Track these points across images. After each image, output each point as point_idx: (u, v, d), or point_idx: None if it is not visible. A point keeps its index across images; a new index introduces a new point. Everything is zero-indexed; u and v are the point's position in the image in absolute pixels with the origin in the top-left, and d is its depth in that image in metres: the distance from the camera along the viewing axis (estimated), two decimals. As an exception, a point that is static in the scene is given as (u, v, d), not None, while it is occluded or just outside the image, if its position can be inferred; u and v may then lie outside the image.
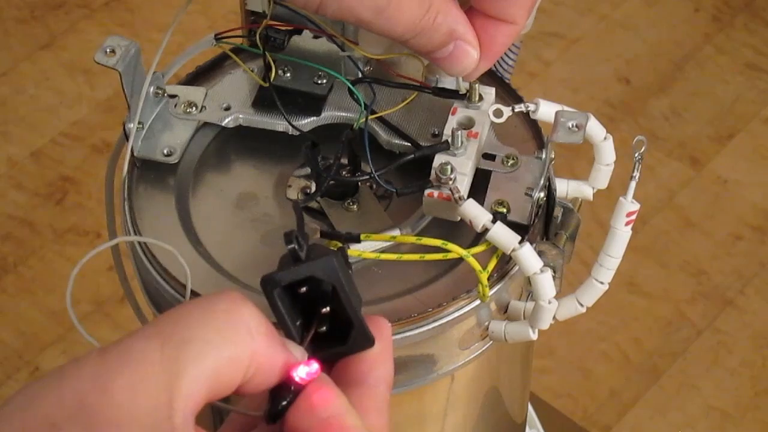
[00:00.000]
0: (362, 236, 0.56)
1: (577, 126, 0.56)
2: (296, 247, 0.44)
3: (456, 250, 0.55)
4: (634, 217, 0.57)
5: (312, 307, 0.45)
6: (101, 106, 1.52)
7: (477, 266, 0.55)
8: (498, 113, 0.57)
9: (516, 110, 0.57)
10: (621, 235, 0.57)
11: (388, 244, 0.58)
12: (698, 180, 1.46)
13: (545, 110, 0.57)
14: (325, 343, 0.45)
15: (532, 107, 0.57)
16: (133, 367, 0.37)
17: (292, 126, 0.61)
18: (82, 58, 1.57)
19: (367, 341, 0.45)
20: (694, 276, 1.37)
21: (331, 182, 0.59)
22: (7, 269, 1.36)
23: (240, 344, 0.40)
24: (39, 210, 1.42)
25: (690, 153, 1.49)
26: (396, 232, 0.58)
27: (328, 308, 0.45)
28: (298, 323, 0.44)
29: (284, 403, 0.41)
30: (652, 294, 1.35)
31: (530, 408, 0.96)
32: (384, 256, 0.57)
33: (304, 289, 0.44)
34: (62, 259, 1.37)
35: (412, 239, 0.57)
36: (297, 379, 0.41)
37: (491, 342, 0.60)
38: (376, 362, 0.45)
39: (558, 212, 0.62)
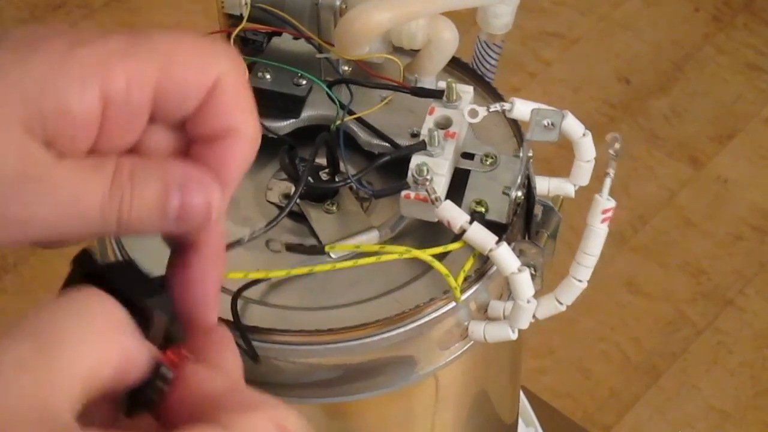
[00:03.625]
0: (327, 247, 0.57)
1: (552, 124, 0.56)
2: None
3: (419, 255, 0.55)
4: (610, 214, 0.57)
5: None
6: (102, 108, 1.53)
7: (444, 270, 0.55)
8: (473, 113, 0.57)
9: (491, 110, 0.57)
10: (597, 232, 0.57)
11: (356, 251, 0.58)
12: (698, 180, 1.46)
13: (521, 109, 0.57)
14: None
15: (507, 106, 0.57)
16: (4, 370, 0.36)
17: (267, 129, 0.61)
18: (83, 59, 1.57)
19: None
20: (694, 276, 1.36)
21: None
22: (7, 269, 1.37)
23: (110, 339, 0.39)
24: (40, 211, 1.42)
25: (690, 153, 1.48)
26: (364, 238, 0.58)
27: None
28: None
29: (154, 395, 0.40)
30: (652, 294, 1.35)
31: (530, 408, 0.96)
32: (339, 265, 0.57)
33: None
34: (62, 259, 1.36)
35: (375, 248, 0.57)
36: (165, 369, 0.41)
37: (472, 342, 0.60)
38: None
39: (538, 211, 0.62)
